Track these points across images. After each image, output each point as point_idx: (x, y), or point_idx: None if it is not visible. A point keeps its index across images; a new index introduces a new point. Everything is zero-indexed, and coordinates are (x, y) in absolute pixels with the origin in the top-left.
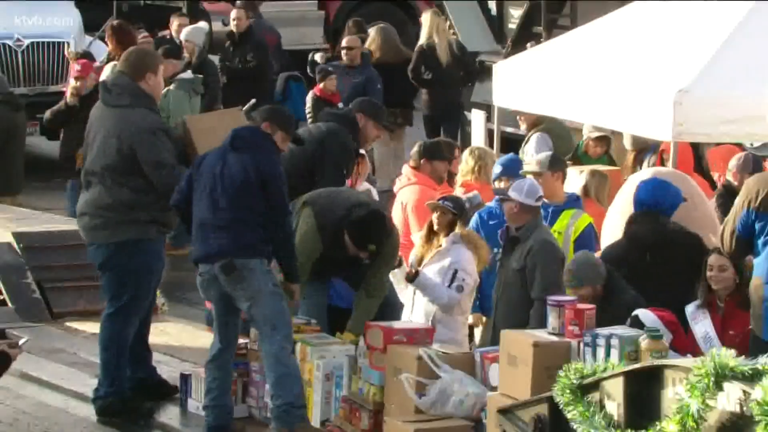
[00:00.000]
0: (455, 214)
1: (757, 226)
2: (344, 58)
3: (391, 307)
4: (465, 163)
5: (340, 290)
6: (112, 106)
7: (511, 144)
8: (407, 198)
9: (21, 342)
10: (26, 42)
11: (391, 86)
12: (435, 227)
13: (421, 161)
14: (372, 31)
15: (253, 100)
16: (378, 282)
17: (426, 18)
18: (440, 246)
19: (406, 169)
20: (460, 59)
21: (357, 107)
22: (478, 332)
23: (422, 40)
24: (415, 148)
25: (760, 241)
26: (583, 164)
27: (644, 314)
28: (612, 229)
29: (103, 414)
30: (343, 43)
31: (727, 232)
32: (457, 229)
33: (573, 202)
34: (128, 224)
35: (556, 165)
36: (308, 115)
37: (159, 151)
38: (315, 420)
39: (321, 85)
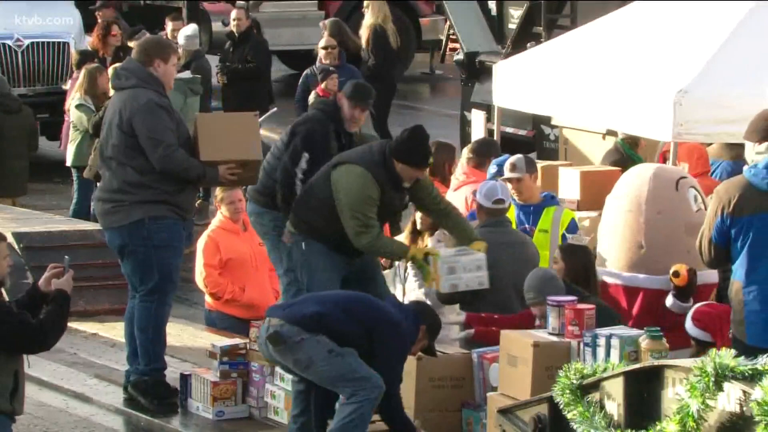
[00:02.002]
0: None
1: (733, 231)
2: (324, 58)
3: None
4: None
5: None
6: (120, 89)
7: (511, 144)
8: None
9: (66, 265)
10: (26, 42)
11: None
12: (418, 226)
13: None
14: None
15: (274, 109)
16: (447, 203)
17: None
18: (426, 246)
19: (464, 167)
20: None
21: (343, 91)
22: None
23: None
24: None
25: (736, 246)
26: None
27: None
28: (609, 228)
29: (134, 388)
30: (322, 42)
31: (705, 241)
32: (441, 228)
33: (550, 200)
34: (139, 204)
35: (531, 166)
36: None
37: (155, 127)
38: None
39: (323, 85)
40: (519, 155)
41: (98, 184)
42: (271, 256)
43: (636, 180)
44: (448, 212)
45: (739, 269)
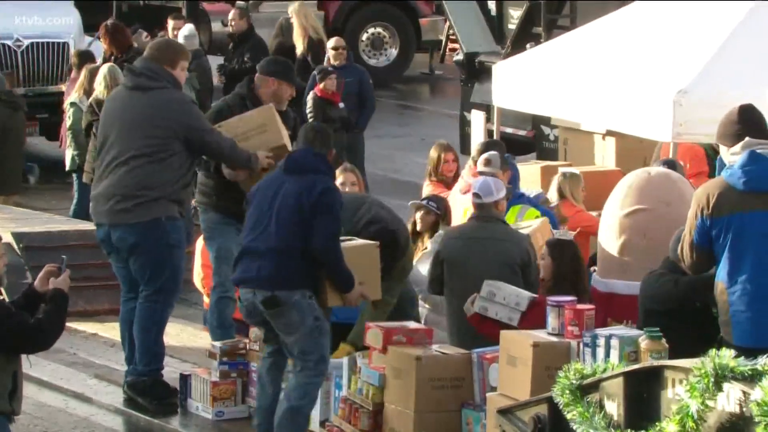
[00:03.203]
0: (438, 215)
1: (713, 232)
2: (333, 59)
3: (411, 302)
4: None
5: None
6: (144, 89)
7: (511, 144)
8: None
9: (63, 266)
10: (26, 42)
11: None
12: (418, 227)
13: None
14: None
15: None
16: (389, 298)
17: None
18: (425, 248)
19: (472, 169)
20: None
21: (264, 71)
22: None
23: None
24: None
25: (717, 247)
26: None
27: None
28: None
29: (132, 389)
30: (330, 43)
31: (686, 245)
32: (441, 230)
33: (518, 198)
34: (157, 202)
35: (504, 164)
36: (309, 116)
37: (203, 120)
38: (314, 420)
39: (321, 85)
40: (494, 152)
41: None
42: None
43: None
44: (378, 308)
45: (721, 270)
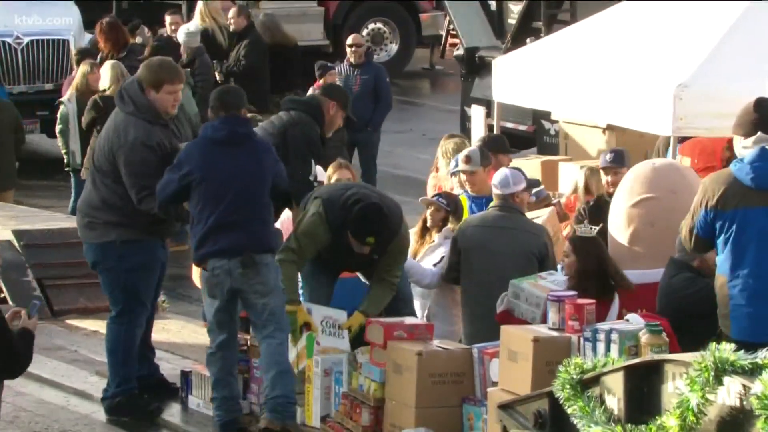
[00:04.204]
0: (448, 211)
1: (717, 225)
2: (351, 56)
3: (403, 301)
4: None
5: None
6: (116, 108)
7: (511, 139)
8: None
9: (33, 311)
10: (26, 40)
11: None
12: (428, 223)
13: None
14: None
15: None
16: (390, 278)
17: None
18: (433, 242)
19: None
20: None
21: (325, 94)
22: None
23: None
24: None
25: (720, 240)
26: None
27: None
28: (617, 223)
29: (111, 413)
30: (349, 41)
31: (686, 230)
32: (450, 225)
33: None
34: (115, 226)
35: (486, 159)
36: None
37: (135, 168)
38: (315, 416)
39: (321, 81)
40: (474, 148)
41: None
42: None
43: None
44: (381, 281)
45: (723, 263)
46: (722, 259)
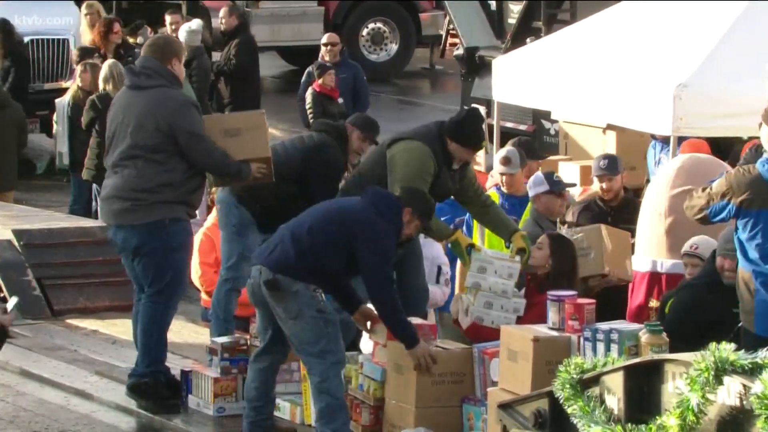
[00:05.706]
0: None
1: (740, 222)
2: (326, 55)
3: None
4: None
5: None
6: (143, 88)
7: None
8: None
9: (10, 306)
10: (25, 39)
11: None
12: None
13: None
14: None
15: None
16: (480, 190)
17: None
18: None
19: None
20: None
21: (352, 122)
22: None
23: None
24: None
25: (744, 237)
26: None
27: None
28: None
29: (134, 393)
30: (324, 39)
31: (696, 208)
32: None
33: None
34: (161, 204)
35: (524, 160)
36: (309, 112)
37: (196, 124)
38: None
39: (320, 81)
40: (513, 149)
41: (102, 183)
42: (224, 247)
43: None
44: (488, 206)
45: (748, 261)
46: (748, 255)
